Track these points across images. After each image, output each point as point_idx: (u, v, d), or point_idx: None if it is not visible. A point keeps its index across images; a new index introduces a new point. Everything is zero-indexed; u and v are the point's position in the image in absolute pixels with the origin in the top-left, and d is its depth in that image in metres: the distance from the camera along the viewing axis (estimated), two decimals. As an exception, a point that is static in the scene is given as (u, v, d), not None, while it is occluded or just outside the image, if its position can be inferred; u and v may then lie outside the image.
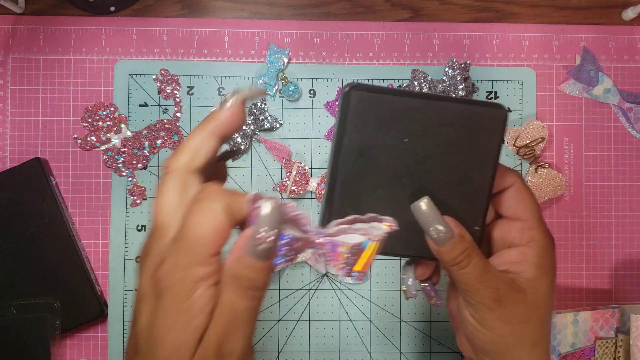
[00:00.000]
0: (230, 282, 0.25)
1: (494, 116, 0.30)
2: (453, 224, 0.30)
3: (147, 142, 0.55)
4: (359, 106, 0.28)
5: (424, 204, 0.29)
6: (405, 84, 0.55)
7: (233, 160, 0.55)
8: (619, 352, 0.52)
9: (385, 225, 0.27)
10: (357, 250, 0.27)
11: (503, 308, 0.31)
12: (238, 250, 0.25)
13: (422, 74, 0.55)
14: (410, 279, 0.35)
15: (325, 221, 0.30)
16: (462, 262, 0.30)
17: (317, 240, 0.27)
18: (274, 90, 0.55)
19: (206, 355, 0.25)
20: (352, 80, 0.56)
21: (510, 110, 0.33)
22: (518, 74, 0.56)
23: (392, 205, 0.29)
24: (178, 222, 0.26)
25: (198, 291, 0.25)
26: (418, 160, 0.29)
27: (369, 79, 0.56)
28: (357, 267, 0.28)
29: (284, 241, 0.26)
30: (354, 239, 0.27)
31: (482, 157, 0.30)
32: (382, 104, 0.29)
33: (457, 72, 0.55)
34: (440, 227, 0.29)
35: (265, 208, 0.25)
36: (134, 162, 0.55)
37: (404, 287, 0.35)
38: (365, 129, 0.29)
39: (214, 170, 0.30)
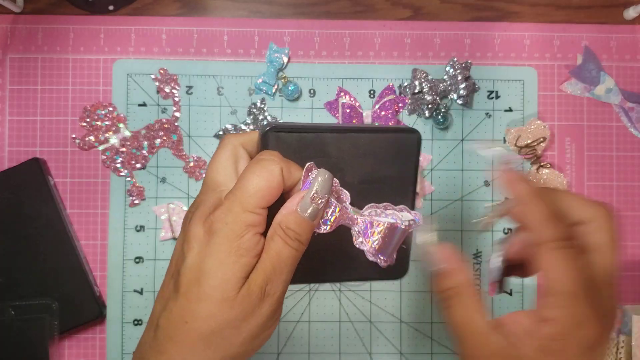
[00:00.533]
0: (280, 232, 0.29)
1: (408, 140, 0.32)
2: (446, 260, 0.31)
3: (145, 142, 0.55)
4: (277, 146, 0.31)
5: (424, 243, 0.31)
6: (405, 83, 0.55)
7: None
8: (620, 353, 0.52)
9: (412, 215, 0.30)
10: (388, 233, 0.30)
11: None
12: (291, 206, 0.29)
13: (423, 73, 0.55)
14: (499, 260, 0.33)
15: None
16: (444, 301, 0.31)
17: (353, 216, 0.30)
18: (274, 90, 0.55)
19: (252, 291, 0.28)
20: (354, 80, 0.56)
21: (420, 137, 0.33)
22: (519, 74, 0.56)
23: (324, 236, 0.30)
24: (229, 181, 0.30)
25: (247, 234, 0.28)
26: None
27: (369, 78, 0.56)
28: (384, 249, 0.30)
29: (329, 208, 0.29)
30: (388, 221, 0.30)
31: (402, 180, 0.33)
32: (300, 142, 0.31)
33: (458, 71, 0.54)
34: (432, 262, 0.31)
35: (322, 175, 0.29)
36: (133, 162, 0.55)
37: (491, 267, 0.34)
38: None
39: None
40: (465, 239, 0.55)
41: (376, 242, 0.30)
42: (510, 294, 0.55)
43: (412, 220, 0.30)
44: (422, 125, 0.56)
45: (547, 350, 0.27)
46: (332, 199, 0.29)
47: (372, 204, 0.31)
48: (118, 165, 0.55)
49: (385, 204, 0.31)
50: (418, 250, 0.31)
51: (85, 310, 0.52)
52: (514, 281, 0.55)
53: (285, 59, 0.55)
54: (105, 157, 0.55)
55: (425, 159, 0.55)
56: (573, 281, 0.27)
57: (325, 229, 0.30)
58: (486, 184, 0.56)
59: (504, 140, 0.56)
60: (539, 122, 0.55)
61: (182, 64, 0.55)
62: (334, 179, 0.30)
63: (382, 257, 0.30)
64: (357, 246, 0.30)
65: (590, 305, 0.27)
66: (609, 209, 0.29)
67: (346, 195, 0.31)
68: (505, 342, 0.28)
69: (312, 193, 0.28)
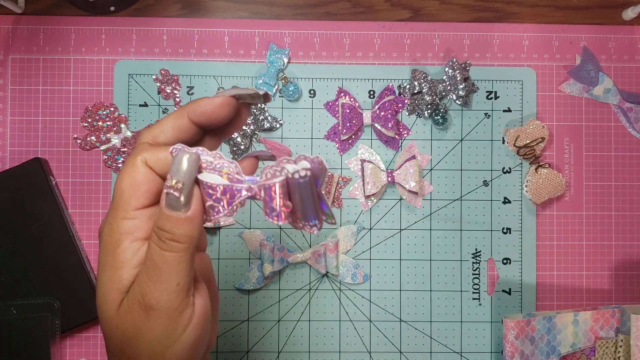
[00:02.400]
0: (152, 234, 0.25)
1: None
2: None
3: (147, 142, 0.55)
4: None
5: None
6: (405, 84, 0.55)
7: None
8: (619, 352, 0.52)
9: (307, 162, 0.25)
10: (289, 192, 0.25)
11: None
12: (160, 203, 0.26)
13: (422, 74, 0.55)
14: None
15: None
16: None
17: (244, 189, 0.25)
18: (274, 90, 0.55)
19: (131, 305, 0.25)
20: (353, 80, 0.56)
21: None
22: (518, 74, 0.56)
23: None
24: None
25: (122, 245, 0.25)
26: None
27: (369, 79, 0.56)
28: (302, 212, 0.26)
29: (212, 190, 0.25)
30: (278, 180, 0.25)
31: None
32: None
33: (457, 72, 0.55)
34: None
35: (178, 157, 0.25)
36: (134, 162, 0.55)
37: None
38: None
39: (234, 115, 0.29)
40: (464, 238, 0.56)
41: (275, 209, 0.25)
42: (510, 293, 0.55)
43: (305, 168, 0.24)
44: (421, 125, 0.56)
45: None
46: (207, 177, 0.25)
47: (267, 165, 0.26)
48: (119, 165, 0.55)
49: (281, 158, 0.25)
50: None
51: (87, 309, 0.53)
52: (514, 281, 0.55)
53: (286, 60, 0.55)
54: (106, 157, 0.55)
55: (424, 159, 0.56)
56: None
57: (222, 214, 0.26)
58: (485, 184, 0.56)
59: (503, 141, 0.56)
60: (537, 122, 0.55)
61: (183, 65, 0.56)
62: (216, 152, 0.26)
63: (307, 223, 0.26)
64: (271, 220, 0.25)
65: None
66: None
67: (234, 166, 0.26)
68: None
69: (166, 183, 0.25)
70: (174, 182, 0.25)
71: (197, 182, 0.25)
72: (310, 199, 0.25)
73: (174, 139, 0.28)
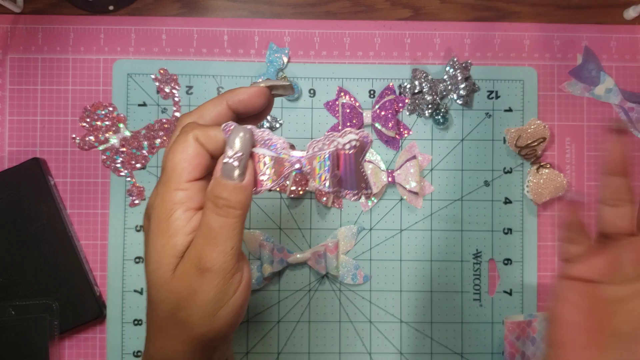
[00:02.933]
0: (208, 202, 0.28)
1: None
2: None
3: (145, 142, 0.55)
4: None
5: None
6: (405, 83, 0.55)
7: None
8: (620, 353, 0.52)
9: (355, 134, 0.28)
10: (336, 164, 0.28)
11: None
12: (214, 173, 0.28)
13: (423, 73, 0.55)
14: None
15: None
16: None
17: (295, 159, 0.28)
18: (274, 90, 0.55)
19: (186, 269, 0.27)
20: (354, 80, 0.56)
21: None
22: (519, 74, 0.56)
23: None
24: None
25: (175, 213, 0.27)
26: None
27: (369, 78, 0.56)
28: (345, 182, 0.28)
29: (261, 162, 0.28)
30: (329, 151, 0.28)
31: None
32: None
33: (458, 71, 0.54)
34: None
35: (235, 132, 0.27)
36: (133, 162, 0.55)
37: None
38: None
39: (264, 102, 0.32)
40: (465, 239, 0.55)
41: (324, 177, 0.28)
42: (511, 294, 0.55)
43: (354, 140, 0.28)
44: (422, 125, 0.56)
45: None
46: (261, 151, 0.28)
47: (314, 139, 0.29)
48: (118, 165, 0.55)
49: (328, 133, 0.29)
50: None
51: (86, 310, 0.52)
52: (515, 281, 0.55)
53: (285, 59, 0.55)
54: (105, 157, 0.55)
55: (425, 159, 0.55)
56: None
57: (268, 185, 0.28)
58: (486, 184, 0.56)
59: (504, 141, 0.56)
60: (538, 122, 0.55)
61: (182, 64, 0.55)
62: (264, 129, 0.29)
63: (350, 191, 0.29)
64: (320, 188, 0.28)
65: None
66: None
67: (282, 142, 0.29)
68: None
69: (226, 153, 0.27)
70: (231, 153, 0.27)
71: (250, 155, 0.28)
72: (354, 170, 0.28)
73: (212, 124, 0.30)
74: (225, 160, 0.27)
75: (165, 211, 0.27)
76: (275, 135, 0.28)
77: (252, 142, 0.28)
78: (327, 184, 0.28)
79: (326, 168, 0.28)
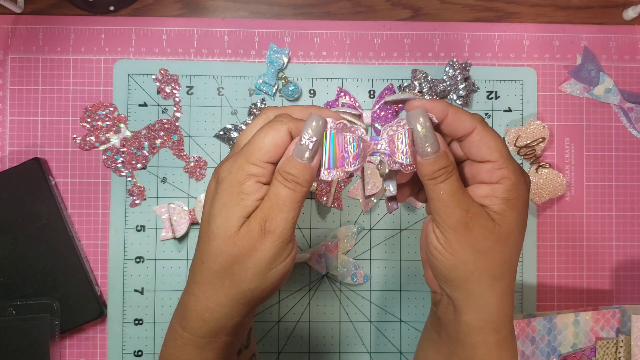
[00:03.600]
0: (277, 175, 0.31)
1: None
2: (441, 141, 0.32)
3: (146, 142, 0.55)
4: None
5: (420, 120, 0.32)
6: (405, 84, 0.55)
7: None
8: (619, 352, 0.52)
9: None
10: (411, 140, 0.32)
11: (468, 232, 0.32)
12: (287, 152, 0.32)
13: (423, 74, 0.55)
14: (392, 185, 0.35)
15: None
16: (440, 177, 0.32)
17: (373, 140, 0.33)
18: (274, 90, 0.55)
19: (251, 228, 0.31)
20: (354, 80, 0.56)
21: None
22: (519, 74, 0.56)
23: None
24: None
25: (248, 182, 0.31)
26: None
27: (369, 79, 0.56)
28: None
29: (349, 145, 0.32)
30: (407, 129, 0.32)
31: None
32: None
33: (458, 71, 0.54)
34: (432, 140, 0.32)
35: (310, 119, 0.31)
36: (133, 162, 0.55)
37: (387, 194, 0.36)
38: None
39: None
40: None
41: (405, 152, 0.32)
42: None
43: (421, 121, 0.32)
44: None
45: (508, 202, 0.32)
46: (350, 136, 0.32)
47: (387, 124, 0.33)
48: (119, 165, 0.55)
49: (398, 118, 0.32)
50: (418, 138, 0.32)
51: (86, 309, 0.53)
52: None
53: (286, 59, 0.55)
54: (106, 157, 0.55)
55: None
56: (504, 146, 0.32)
57: (354, 163, 0.32)
58: (486, 184, 0.56)
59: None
60: (538, 122, 0.55)
61: (182, 65, 0.55)
62: (348, 117, 0.33)
63: (413, 167, 0.32)
64: (400, 161, 0.32)
65: (515, 161, 0.33)
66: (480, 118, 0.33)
67: (360, 130, 0.33)
68: (497, 201, 0.32)
69: (301, 136, 0.31)
70: (307, 137, 0.31)
71: (330, 142, 0.32)
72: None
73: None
74: (301, 142, 0.31)
75: (240, 178, 0.31)
76: (357, 124, 0.32)
77: (324, 129, 0.32)
78: (408, 156, 0.32)
79: (406, 143, 0.32)
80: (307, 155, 0.31)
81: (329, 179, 0.32)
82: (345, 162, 0.32)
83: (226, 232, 0.31)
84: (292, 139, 0.32)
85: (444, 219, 0.32)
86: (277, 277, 0.33)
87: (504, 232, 0.32)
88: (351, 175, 0.33)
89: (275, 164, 0.32)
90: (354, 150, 0.32)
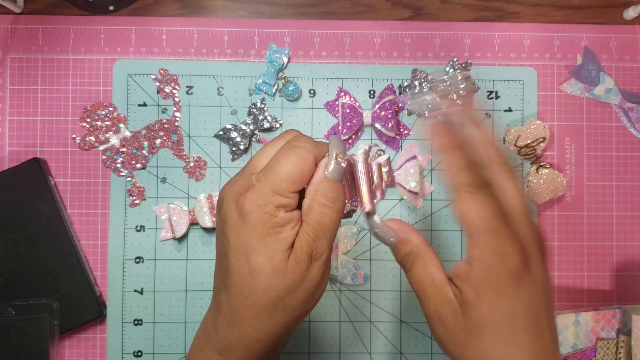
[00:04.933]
0: (315, 199, 0.31)
1: None
2: (400, 232, 0.32)
3: (146, 142, 0.55)
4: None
5: (378, 225, 0.33)
6: (405, 84, 0.55)
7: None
8: (620, 353, 0.52)
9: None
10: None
11: (441, 324, 0.30)
12: (319, 174, 0.31)
13: (423, 74, 0.55)
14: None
15: None
16: (405, 265, 0.32)
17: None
18: (274, 90, 0.55)
19: (300, 259, 0.30)
20: (354, 80, 0.56)
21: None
22: (519, 74, 0.56)
23: None
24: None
25: (280, 214, 0.30)
26: None
27: (369, 78, 0.56)
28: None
29: (373, 172, 0.32)
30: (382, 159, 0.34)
31: None
32: None
33: (458, 71, 0.54)
34: (388, 234, 0.33)
35: (333, 139, 0.31)
36: (133, 162, 0.55)
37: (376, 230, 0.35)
38: None
39: None
40: (464, 239, 0.55)
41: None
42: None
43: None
44: (422, 125, 0.56)
45: (481, 288, 0.29)
46: (383, 159, 0.32)
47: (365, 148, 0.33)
48: (118, 165, 0.55)
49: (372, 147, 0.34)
50: (372, 233, 0.33)
51: (86, 310, 0.52)
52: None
53: (285, 59, 0.55)
54: (105, 157, 0.55)
55: (425, 159, 0.55)
56: (485, 218, 0.29)
57: (377, 195, 0.32)
58: (486, 184, 0.56)
59: (504, 141, 0.56)
60: (538, 122, 0.55)
61: (182, 64, 0.55)
62: (371, 147, 0.33)
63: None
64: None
65: (505, 237, 0.29)
66: (500, 152, 0.31)
67: (385, 156, 0.34)
68: (457, 291, 0.30)
69: (333, 155, 0.31)
70: (342, 157, 0.31)
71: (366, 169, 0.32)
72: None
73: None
74: (333, 158, 0.30)
75: (270, 211, 0.30)
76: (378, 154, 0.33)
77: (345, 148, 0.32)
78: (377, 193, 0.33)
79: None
80: (338, 172, 0.31)
81: (374, 207, 0.32)
82: (380, 188, 0.32)
83: (274, 268, 0.30)
84: (316, 166, 0.31)
85: (422, 307, 0.32)
86: (321, 294, 0.33)
87: (474, 325, 0.29)
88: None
89: (297, 193, 0.31)
90: (386, 176, 0.32)
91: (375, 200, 0.32)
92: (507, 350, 0.29)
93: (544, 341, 0.29)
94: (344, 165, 0.31)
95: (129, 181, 0.55)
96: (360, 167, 0.32)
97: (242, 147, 0.54)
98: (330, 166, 0.31)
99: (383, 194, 0.33)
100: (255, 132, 0.55)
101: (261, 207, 0.30)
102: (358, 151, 0.32)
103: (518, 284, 0.28)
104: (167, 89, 0.55)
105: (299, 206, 0.31)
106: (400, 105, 0.55)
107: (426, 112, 0.33)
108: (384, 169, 0.33)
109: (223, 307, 0.32)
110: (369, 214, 0.32)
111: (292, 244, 0.31)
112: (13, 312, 0.51)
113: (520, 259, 0.29)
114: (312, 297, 0.32)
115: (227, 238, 0.31)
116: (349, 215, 0.33)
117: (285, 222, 0.30)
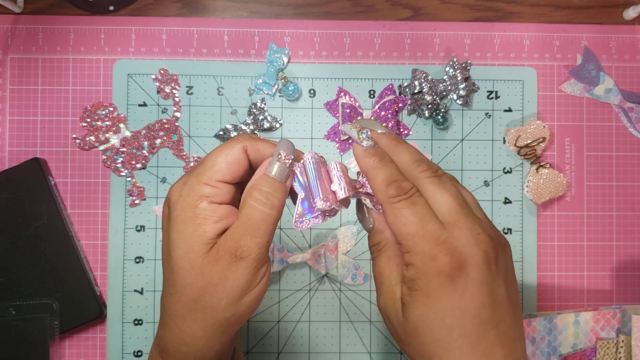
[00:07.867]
0: (249, 194, 0.30)
1: None
2: (377, 221, 0.32)
3: (146, 142, 0.55)
4: None
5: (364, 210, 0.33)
6: (405, 84, 0.55)
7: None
8: (620, 352, 0.52)
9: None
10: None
11: (387, 319, 0.31)
12: (260, 171, 0.31)
13: (423, 74, 0.55)
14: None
15: None
16: (372, 253, 0.33)
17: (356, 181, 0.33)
18: (274, 90, 0.55)
19: (220, 256, 0.29)
20: (354, 80, 0.56)
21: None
22: (519, 74, 0.56)
23: None
24: None
25: (202, 204, 0.29)
26: None
27: (369, 78, 0.56)
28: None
29: (335, 172, 0.32)
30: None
31: None
32: None
33: (458, 71, 0.54)
34: (366, 220, 0.33)
35: (282, 141, 0.31)
36: (133, 162, 0.55)
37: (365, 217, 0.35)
38: None
39: None
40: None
41: (342, 187, 0.32)
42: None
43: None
44: (422, 125, 0.56)
45: (415, 291, 0.29)
46: (335, 164, 0.32)
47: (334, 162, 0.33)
48: (118, 165, 0.55)
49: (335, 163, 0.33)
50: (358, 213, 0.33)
51: (86, 309, 0.52)
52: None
53: (286, 59, 0.55)
54: (105, 157, 0.55)
55: (425, 159, 0.55)
56: (412, 224, 0.29)
57: (342, 193, 0.31)
58: (486, 184, 0.56)
59: (504, 141, 0.56)
60: (538, 122, 0.55)
61: (182, 64, 0.55)
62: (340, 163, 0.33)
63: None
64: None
65: (432, 240, 0.28)
66: (428, 165, 0.31)
67: (338, 167, 0.32)
68: (406, 291, 0.30)
69: (277, 153, 0.30)
70: (284, 155, 0.30)
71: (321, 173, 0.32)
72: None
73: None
74: (276, 157, 0.30)
75: (192, 200, 0.29)
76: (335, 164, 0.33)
77: (295, 151, 0.32)
78: (345, 189, 0.32)
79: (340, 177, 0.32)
80: (281, 171, 0.30)
81: (327, 208, 0.31)
82: (338, 189, 0.31)
83: (190, 263, 0.29)
84: (247, 157, 0.31)
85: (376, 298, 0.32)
86: (253, 301, 0.31)
87: (411, 327, 0.29)
88: (344, 204, 0.32)
89: (230, 183, 0.31)
90: (341, 179, 0.31)
91: (343, 196, 0.31)
92: (447, 354, 0.28)
93: (490, 346, 0.28)
94: (288, 165, 0.30)
95: (129, 181, 0.55)
96: (311, 167, 0.31)
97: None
98: (273, 165, 0.30)
99: (353, 189, 0.32)
100: (256, 132, 0.55)
101: (184, 196, 0.30)
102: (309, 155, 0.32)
103: (450, 286, 0.28)
104: (167, 89, 0.55)
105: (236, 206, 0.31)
106: (400, 105, 0.55)
107: (357, 136, 0.32)
108: (350, 167, 0.33)
109: (160, 307, 0.32)
110: (341, 205, 0.32)
111: (216, 241, 0.29)
112: (13, 312, 0.51)
113: (449, 261, 0.28)
114: (238, 300, 0.30)
115: (162, 234, 0.31)
116: (332, 213, 0.32)
117: (207, 215, 0.29)
